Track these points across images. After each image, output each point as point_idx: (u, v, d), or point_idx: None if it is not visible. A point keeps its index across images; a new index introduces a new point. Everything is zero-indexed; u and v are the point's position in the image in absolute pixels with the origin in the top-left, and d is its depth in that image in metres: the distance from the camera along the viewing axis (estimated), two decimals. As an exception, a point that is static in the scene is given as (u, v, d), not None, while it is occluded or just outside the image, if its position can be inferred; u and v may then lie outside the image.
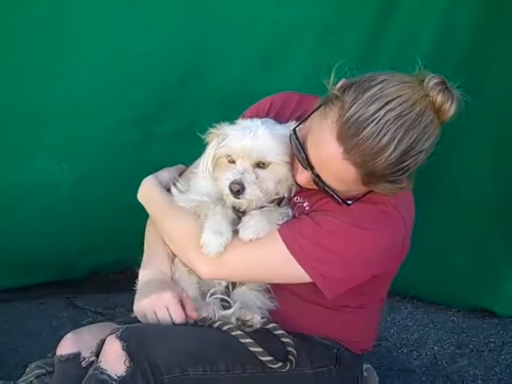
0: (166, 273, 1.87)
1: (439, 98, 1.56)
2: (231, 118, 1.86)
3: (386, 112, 1.53)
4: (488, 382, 2.59)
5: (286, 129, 1.74)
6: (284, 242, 1.70)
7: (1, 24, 2.45)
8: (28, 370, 1.92)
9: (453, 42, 2.66)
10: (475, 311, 3.00)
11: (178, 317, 1.76)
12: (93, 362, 1.68)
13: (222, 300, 1.84)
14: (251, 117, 1.85)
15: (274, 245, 1.71)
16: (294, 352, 1.77)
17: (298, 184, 1.78)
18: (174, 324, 1.76)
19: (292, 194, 1.81)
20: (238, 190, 1.66)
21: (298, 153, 1.66)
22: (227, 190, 1.68)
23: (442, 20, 2.65)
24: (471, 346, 2.79)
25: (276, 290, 1.85)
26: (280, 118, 1.85)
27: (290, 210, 1.78)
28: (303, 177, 1.69)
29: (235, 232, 1.72)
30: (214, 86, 2.70)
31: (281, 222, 1.74)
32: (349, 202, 1.68)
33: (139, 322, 1.86)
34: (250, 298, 1.83)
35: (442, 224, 2.89)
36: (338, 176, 1.61)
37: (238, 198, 1.69)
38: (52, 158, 2.68)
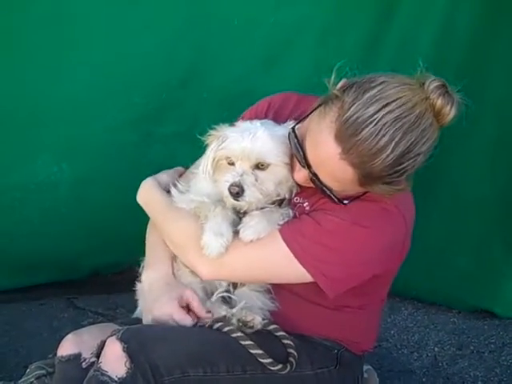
0: (169, 274, 1.87)
1: (439, 102, 1.56)
2: (232, 119, 1.86)
3: (385, 114, 1.53)
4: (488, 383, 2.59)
5: (284, 129, 1.74)
6: (285, 241, 1.70)
7: (1, 24, 2.45)
8: (28, 370, 1.92)
9: (453, 43, 2.66)
10: (476, 312, 3.00)
11: (186, 324, 1.77)
12: (93, 363, 1.68)
13: (224, 300, 1.84)
14: (250, 118, 1.86)
15: (274, 245, 1.71)
16: (295, 354, 1.77)
17: (298, 184, 1.78)
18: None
19: (293, 195, 1.80)
20: (237, 192, 1.66)
21: (296, 151, 1.66)
22: (227, 192, 1.68)
23: (443, 21, 2.65)
24: (472, 347, 2.79)
25: (276, 290, 1.85)
26: (278, 119, 1.85)
27: (290, 211, 1.78)
28: (300, 175, 1.70)
29: (236, 233, 1.72)
30: (215, 87, 2.70)
31: (281, 223, 1.74)
32: (345, 201, 1.68)
33: (140, 323, 1.87)
34: (251, 298, 1.83)
35: (442, 225, 2.89)
36: (334, 176, 1.61)
37: (237, 200, 1.69)
38: (52, 159, 2.68)
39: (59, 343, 1.85)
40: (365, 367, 2.12)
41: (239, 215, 1.76)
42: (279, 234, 1.71)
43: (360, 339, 1.96)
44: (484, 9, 2.61)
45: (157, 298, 1.81)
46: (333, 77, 1.62)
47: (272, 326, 1.80)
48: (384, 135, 1.52)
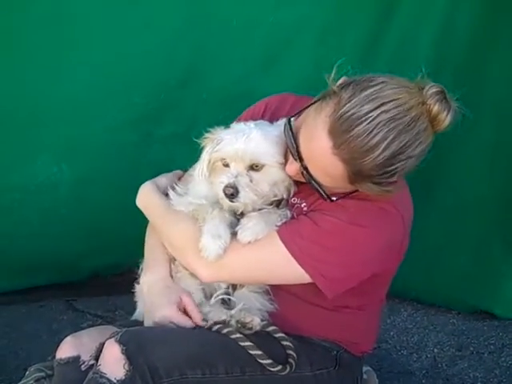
0: (168, 276, 1.87)
1: (436, 108, 1.57)
2: (231, 120, 1.87)
3: (380, 113, 1.54)
4: (488, 385, 2.60)
5: (279, 128, 1.74)
6: (283, 242, 1.70)
7: (1, 24, 2.44)
8: (28, 373, 1.92)
9: (453, 43, 2.66)
10: (475, 313, 2.99)
11: (186, 326, 1.78)
12: (92, 365, 1.68)
13: (223, 301, 1.84)
14: (247, 119, 1.86)
15: (273, 246, 1.71)
16: (294, 355, 1.77)
17: (296, 185, 1.78)
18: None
19: (291, 195, 1.81)
20: (231, 193, 1.67)
21: (290, 143, 1.67)
22: (222, 194, 1.69)
23: (442, 21, 2.65)
24: (471, 349, 2.78)
25: (275, 291, 1.85)
26: (275, 120, 1.85)
27: (288, 212, 1.78)
28: (292, 168, 1.70)
29: (234, 235, 1.73)
30: (214, 87, 2.70)
31: (279, 224, 1.74)
32: (333, 198, 1.69)
33: (139, 325, 1.88)
34: (250, 300, 1.83)
35: (441, 226, 2.89)
36: (325, 170, 1.62)
37: (232, 202, 1.70)
38: (52, 160, 2.68)
39: (58, 345, 1.85)
40: (364, 368, 2.12)
41: (237, 217, 1.76)
42: (277, 235, 1.71)
43: (359, 340, 1.96)
44: (484, 9, 2.60)
45: (156, 301, 1.82)
46: (333, 73, 1.63)
47: (271, 328, 1.80)
48: (377, 134, 1.53)
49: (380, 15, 2.66)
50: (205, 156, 1.78)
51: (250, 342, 1.73)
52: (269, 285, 1.85)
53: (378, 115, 1.53)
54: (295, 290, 1.81)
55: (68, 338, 1.86)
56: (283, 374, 1.74)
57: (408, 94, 1.57)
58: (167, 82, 2.66)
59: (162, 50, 2.61)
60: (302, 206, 1.79)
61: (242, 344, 1.73)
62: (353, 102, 1.55)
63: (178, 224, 1.82)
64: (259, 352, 1.72)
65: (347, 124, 1.54)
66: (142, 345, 1.65)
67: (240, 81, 2.69)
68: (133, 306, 2.01)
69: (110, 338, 1.66)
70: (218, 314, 1.79)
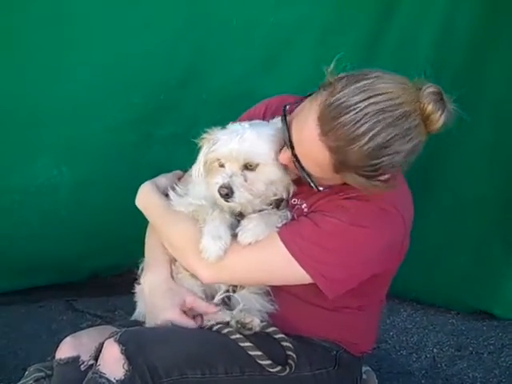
0: (169, 278, 1.87)
1: (430, 107, 1.57)
2: (231, 120, 1.86)
3: (370, 104, 1.55)
4: (487, 385, 2.60)
5: (274, 127, 1.75)
6: (284, 243, 1.71)
7: (1, 24, 2.44)
8: (27, 373, 1.92)
9: (453, 43, 2.66)
10: (474, 313, 2.99)
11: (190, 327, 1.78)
12: (92, 365, 1.67)
13: (224, 301, 1.85)
14: (247, 120, 1.86)
15: (273, 247, 1.71)
16: (294, 356, 1.77)
17: (295, 184, 1.79)
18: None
19: (290, 195, 1.81)
20: (226, 193, 1.68)
21: (283, 131, 1.68)
22: (217, 194, 1.69)
23: (442, 21, 2.65)
24: (470, 349, 2.78)
25: (275, 292, 1.85)
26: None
27: (288, 213, 1.79)
28: (285, 156, 1.70)
29: (234, 236, 1.73)
30: (214, 88, 2.70)
31: (280, 225, 1.74)
32: (320, 188, 1.70)
33: (138, 325, 1.88)
34: (250, 301, 1.83)
35: (441, 226, 2.89)
36: (313, 158, 1.63)
37: (228, 202, 1.70)
38: (51, 161, 2.68)
39: (58, 346, 1.85)
40: (364, 368, 2.12)
41: (237, 218, 1.77)
42: (278, 236, 1.71)
43: (359, 340, 1.96)
44: (484, 9, 2.61)
45: (159, 304, 1.82)
46: (332, 65, 1.64)
47: (271, 329, 1.80)
48: (364, 124, 1.54)
49: (380, 15, 2.67)
50: (201, 156, 1.79)
51: (250, 342, 1.73)
52: (269, 286, 1.85)
53: (366, 106, 1.55)
54: (295, 290, 1.81)
55: (68, 339, 1.86)
56: (282, 374, 1.74)
57: (402, 89, 1.58)
58: (167, 82, 2.67)
59: (161, 50, 2.61)
60: (303, 206, 1.79)
61: (242, 344, 1.73)
62: (344, 92, 1.57)
63: (178, 224, 1.82)
64: (259, 353, 1.72)
65: (336, 112, 1.56)
66: (142, 345, 1.65)
67: (240, 81, 2.69)
68: (132, 307, 2.01)
69: (110, 337, 1.66)
70: (222, 316, 1.79)
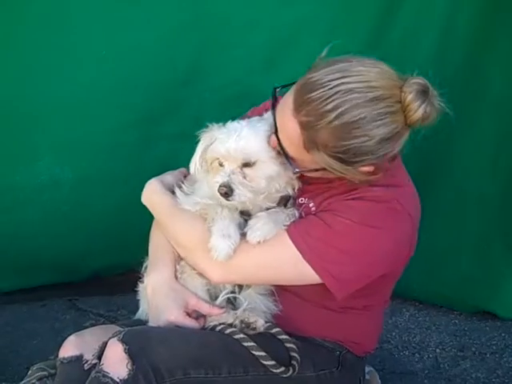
0: (173, 277, 1.86)
1: (410, 96, 1.58)
2: (233, 119, 1.86)
3: (342, 83, 1.57)
4: (490, 385, 2.59)
5: (268, 122, 1.75)
6: (293, 242, 1.70)
7: (1, 24, 2.45)
8: (30, 372, 1.92)
9: (455, 42, 2.66)
10: (477, 314, 2.99)
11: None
12: (95, 364, 1.67)
13: (229, 301, 1.84)
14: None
15: (283, 246, 1.71)
16: (298, 358, 1.77)
17: (300, 180, 1.79)
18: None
19: (295, 190, 1.81)
20: (225, 192, 1.68)
21: (272, 114, 1.71)
22: (218, 194, 1.70)
23: (444, 20, 2.65)
24: (473, 349, 2.78)
25: (280, 292, 1.85)
26: None
27: (296, 211, 1.79)
28: (272, 139, 1.72)
29: (242, 236, 1.73)
30: (217, 86, 2.70)
31: (288, 223, 1.74)
32: (296, 169, 1.71)
33: (141, 324, 1.88)
34: (255, 301, 1.83)
35: (443, 226, 2.88)
36: (287, 135, 1.65)
37: (228, 200, 1.70)
38: (54, 160, 2.67)
39: (61, 345, 1.85)
40: (367, 369, 2.13)
41: (245, 218, 1.77)
42: (287, 235, 1.71)
43: (362, 341, 1.96)
44: (485, 8, 2.60)
45: (162, 305, 1.81)
46: (324, 52, 1.67)
47: (275, 329, 1.80)
48: (332, 101, 1.56)
49: (382, 15, 2.67)
50: (198, 151, 1.80)
51: (254, 342, 1.73)
52: (274, 285, 1.85)
53: (338, 84, 1.57)
54: (301, 291, 1.81)
55: (71, 337, 1.86)
56: (286, 376, 1.74)
57: (380, 74, 1.59)
58: (169, 81, 2.66)
59: (164, 50, 2.61)
60: (310, 205, 1.79)
61: (246, 344, 1.73)
62: (321, 71, 1.60)
63: (186, 223, 1.82)
64: (262, 353, 1.72)
65: (309, 88, 1.59)
66: (145, 344, 1.65)
67: (243, 80, 2.69)
68: (135, 306, 2.01)
69: (113, 337, 1.66)
70: (226, 317, 1.79)
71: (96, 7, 2.49)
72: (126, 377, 1.60)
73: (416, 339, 2.86)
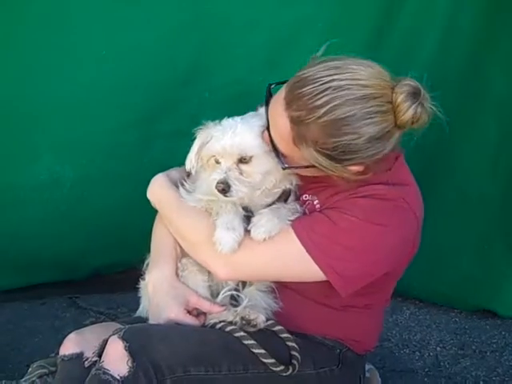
0: (173, 275, 1.87)
1: (401, 97, 1.59)
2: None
3: (333, 80, 1.58)
4: (490, 383, 2.58)
5: (263, 117, 1.76)
6: (299, 239, 1.71)
7: (1, 24, 2.45)
8: (30, 369, 1.93)
9: (456, 42, 2.66)
10: (477, 312, 2.99)
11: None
12: (95, 362, 1.68)
13: (232, 298, 1.85)
14: None
15: (288, 243, 1.72)
16: (298, 357, 1.77)
17: (298, 175, 1.80)
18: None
19: (293, 184, 1.82)
20: (222, 188, 1.69)
21: (265, 110, 1.72)
22: (215, 191, 1.71)
23: (445, 21, 2.65)
24: (473, 347, 2.78)
25: (281, 289, 1.85)
26: None
27: (298, 206, 1.80)
28: (265, 135, 1.73)
29: (247, 232, 1.74)
30: (217, 86, 2.70)
31: (291, 218, 1.75)
32: (285, 165, 1.71)
33: (141, 322, 1.88)
34: (256, 298, 1.84)
35: (444, 226, 2.88)
36: (278, 131, 1.66)
37: (226, 197, 1.71)
38: (54, 158, 2.67)
39: (61, 342, 1.86)
40: (367, 367, 2.13)
41: (248, 214, 1.78)
42: (293, 231, 1.72)
43: (363, 339, 1.96)
44: (486, 9, 2.60)
45: (162, 302, 1.82)
46: (320, 51, 1.69)
47: (277, 327, 1.80)
48: (323, 96, 1.57)
49: (383, 16, 2.66)
50: (194, 148, 1.82)
51: (254, 340, 1.73)
52: (275, 283, 1.85)
53: (329, 80, 1.58)
54: (302, 288, 1.82)
55: (72, 335, 1.87)
56: (285, 374, 1.74)
57: (372, 74, 1.61)
58: (169, 81, 2.66)
59: (164, 49, 2.60)
60: (315, 203, 1.80)
61: (246, 342, 1.73)
62: (314, 68, 1.62)
63: (192, 218, 1.83)
64: (262, 351, 1.72)
65: (301, 83, 1.61)
66: (146, 342, 1.66)
67: (243, 80, 2.68)
68: (135, 304, 2.01)
69: (113, 334, 1.67)
70: (226, 315, 1.80)
71: (96, 7, 2.49)
72: (127, 374, 1.60)
73: (416, 337, 2.86)
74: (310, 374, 1.83)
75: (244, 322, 1.77)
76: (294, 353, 1.78)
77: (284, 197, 1.82)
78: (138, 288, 1.97)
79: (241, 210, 1.76)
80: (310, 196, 1.82)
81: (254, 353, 1.73)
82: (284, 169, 1.72)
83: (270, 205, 1.79)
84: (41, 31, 2.48)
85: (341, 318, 1.89)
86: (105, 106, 2.63)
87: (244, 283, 1.87)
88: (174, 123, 2.74)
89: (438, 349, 2.78)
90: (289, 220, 1.75)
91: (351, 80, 1.58)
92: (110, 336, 1.67)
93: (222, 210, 1.75)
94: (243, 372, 1.74)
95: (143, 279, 1.94)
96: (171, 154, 2.62)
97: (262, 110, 1.78)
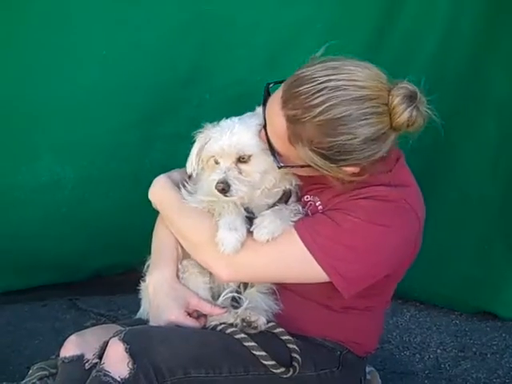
0: (174, 277, 1.86)
1: (397, 99, 1.60)
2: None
3: (330, 80, 1.58)
4: (490, 385, 2.59)
5: (260, 117, 1.76)
6: (302, 240, 1.70)
7: (1, 24, 2.45)
8: (31, 371, 1.93)
9: (456, 44, 2.66)
10: (478, 314, 2.99)
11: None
12: (96, 363, 1.67)
13: (233, 300, 1.85)
14: None
15: (291, 244, 1.72)
16: (299, 359, 1.76)
17: (298, 176, 1.80)
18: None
19: (293, 185, 1.82)
20: (222, 188, 1.69)
21: (263, 109, 1.72)
22: (216, 191, 1.71)
23: (446, 23, 2.66)
24: (474, 349, 2.78)
25: (281, 291, 1.85)
26: None
27: (299, 207, 1.80)
28: (262, 134, 1.73)
29: (250, 234, 1.73)
30: (217, 87, 2.71)
31: (294, 219, 1.75)
32: (281, 164, 1.71)
33: (142, 323, 1.88)
34: (256, 300, 1.83)
35: (444, 227, 2.88)
36: (274, 129, 1.67)
37: (226, 196, 1.72)
38: (55, 160, 2.68)
39: (62, 344, 1.85)
40: (367, 369, 2.12)
41: (250, 216, 1.78)
42: (296, 233, 1.72)
43: (363, 341, 1.95)
44: (487, 11, 2.61)
45: (162, 304, 1.82)
46: (320, 52, 1.69)
47: (278, 329, 1.80)
48: (319, 96, 1.58)
49: (383, 17, 2.67)
50: (194, 151, 1.82)
51: (255, 342, 1.73)
52: (276, 284, 1.85)
53: (326, 80, 1.58)
54: (303, 290, 1.81)
55: (72, 337, 1.86)
56: (286, 376, 1.74)
57: (369, 76, 1.61)
58: (170, 82, 2.67)
59: (164, 50, 2.61)
60: (317, 204, 1.80)
61: (246, 344, 1.73)
62: (312, 67, 1.62)
63: (194, 219, 1.82)
64: (263, 353, 1.72)
65: (298, 82, 1.61)
66: (146, 344, 1.65)
67: (243, 81, 2.69)
68: (136, 306, 2.00)
69: (114, 336, 1.66)
70: (226, 317, 1.79)
71: (96, 7, 2.50)
72: (127, 376, 1.60)
73: (417, 339, 2.86)
74: (310, 375, 1.83)
75: (245, 323, 1.77)
76: (294, 355, 1.77)
77: (285, 198, 1.82)
78: (139, 290, 1.97)
79: (243, 210, 1.76)
80: (311, 197, 1.82)
81: (254, 355, 1.72)
82: (279, 168, 1.72)
83: (271, 206, 1.79)
84: (41, 31, 2.48)
85: (341, 320, 1.88)
86: (105, 106, 2.64)
87: (245, 285, 1.86)
88: (175, 124, 2.75)
89: (439, 351, 2.78)
90: (291, 221, 1.74)
91: (348, 81, 1.59)
92: (110, 338, 1.67)
93: (224, 210, 1.75)
94: (244, 374, 1.73)
95: (144, 281, 1.94)
96: (172, 155, 2.65)
97: (259, 109, 1.78)
